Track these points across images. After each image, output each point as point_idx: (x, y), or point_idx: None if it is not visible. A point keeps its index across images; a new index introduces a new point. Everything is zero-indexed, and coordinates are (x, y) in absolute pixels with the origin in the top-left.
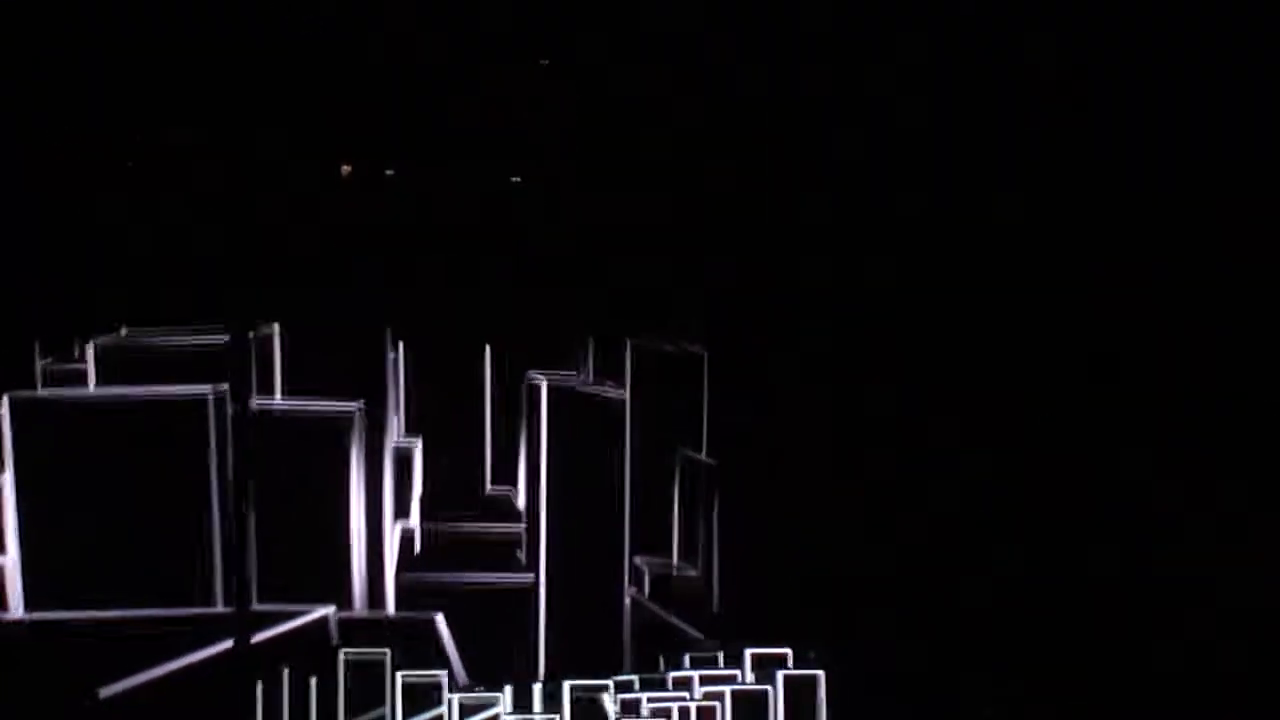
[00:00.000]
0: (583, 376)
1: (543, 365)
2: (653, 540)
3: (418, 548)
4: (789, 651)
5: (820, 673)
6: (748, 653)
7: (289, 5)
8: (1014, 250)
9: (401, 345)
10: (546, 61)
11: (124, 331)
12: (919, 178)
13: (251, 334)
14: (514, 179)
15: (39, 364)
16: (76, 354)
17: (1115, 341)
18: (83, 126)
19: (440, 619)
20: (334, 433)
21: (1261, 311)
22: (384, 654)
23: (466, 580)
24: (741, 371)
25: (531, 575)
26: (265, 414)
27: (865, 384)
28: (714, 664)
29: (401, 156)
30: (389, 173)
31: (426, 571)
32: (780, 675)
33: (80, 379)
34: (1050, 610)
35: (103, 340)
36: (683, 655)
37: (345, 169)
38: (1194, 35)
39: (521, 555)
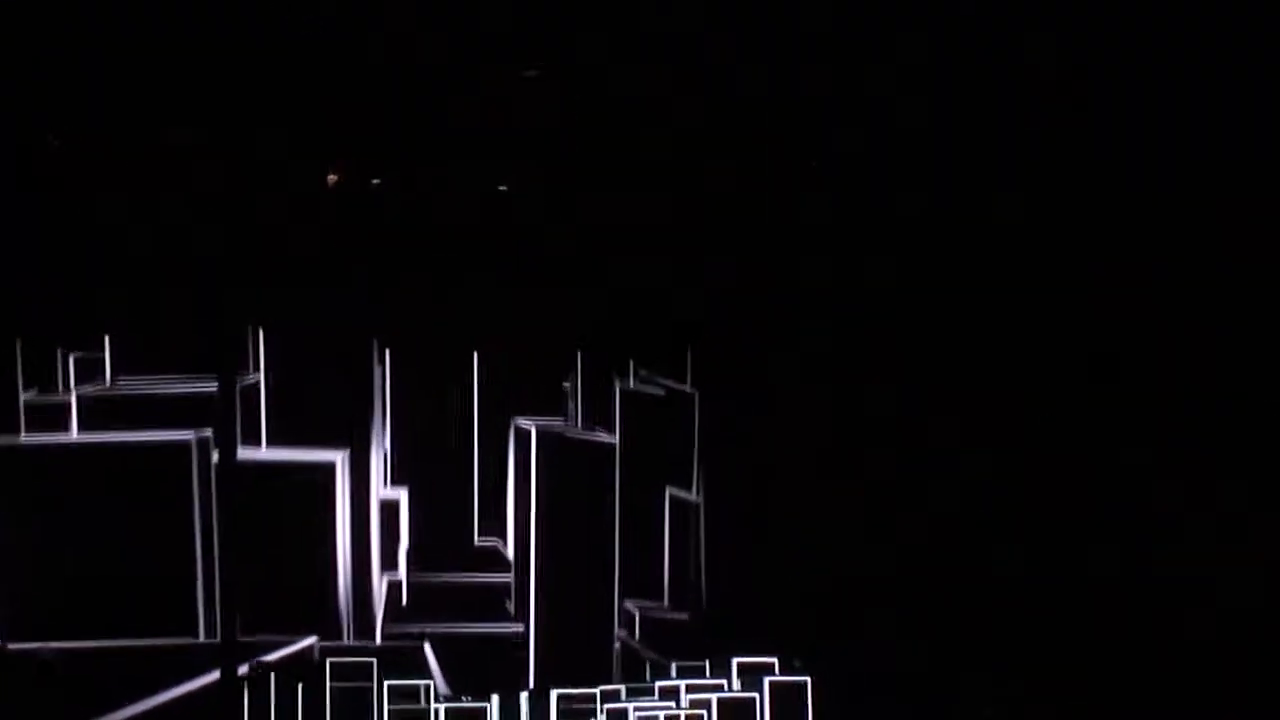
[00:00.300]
0: (570, 421)
1: (535, 379)
2: (643, 580)
3: (405, 599)
4: (775, 660)
5: (807, 679)
6: (734, 661)
7: (289, 5)
8: (1014, 250)
9: (389, 388)
10: (534, 72)
11: (109, 382)
12: (919, 177)
13: (238, 381)
14: (501, 187)
15: (22, 397)
16: (60, 385)
17: (1115, 341)
18: (82, 126)
19: (428, 646)
20: (318, 482)
21: (1262, 311)
22: (370, 663)
23: (455, 630)
24: (738, 375)
25: (521, 625)
26: (250, 462)
27: (865, 384)
28: (700, 673)
29: (396, 159)
30: (375, 182)
31: (415, 622)
32: (767, 681)
33: (64, 412)
34: (1050, 610)
35: (87, 389)
36: (669, 664)
37: (332, 178)
38: (1193, 35)
39: (510, 605)
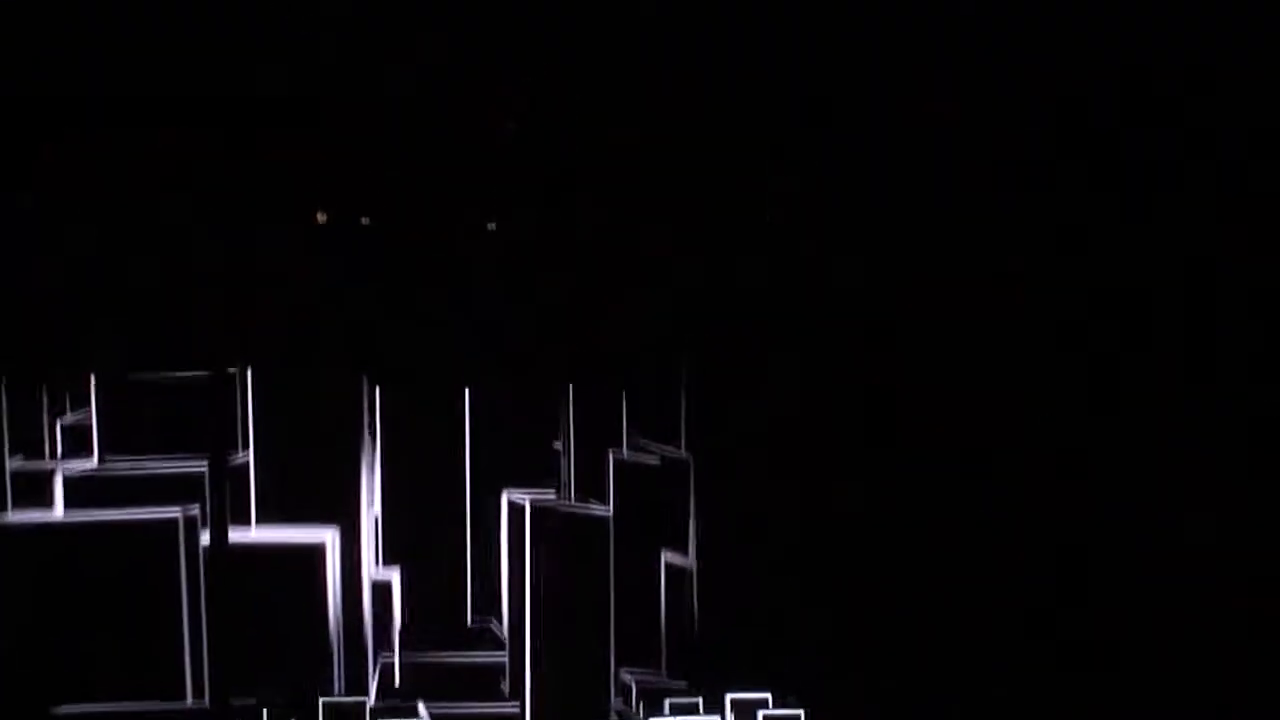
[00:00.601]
0: (563, 494)
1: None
2: (638, 648)
3: (398, 680)
4: (769, 696)
5: (800, 713)
6: (728, 697)
7: (274, 41)
8: (1013, 251)
9: (379, 464)
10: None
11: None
12: (916, 182)
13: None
14: (489, 225)
15: (8, 464)
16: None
17: (1115, 343)
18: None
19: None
20: (307, 560)
21: (1262, 313)
22: (363, 702)
23: (449, 711)
24: (733, 435)
25: (516, 704)
26: (240, 542)
27: (861, 445)
28: (694, 710)
29: (385, 197)
30: (364, 220)
31: (409, 702)
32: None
33: (49, 482)
34: (1047, 652)
35: (72, 469)
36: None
37: (320, 216)
38: (1193, 35)
39: (505, 685)
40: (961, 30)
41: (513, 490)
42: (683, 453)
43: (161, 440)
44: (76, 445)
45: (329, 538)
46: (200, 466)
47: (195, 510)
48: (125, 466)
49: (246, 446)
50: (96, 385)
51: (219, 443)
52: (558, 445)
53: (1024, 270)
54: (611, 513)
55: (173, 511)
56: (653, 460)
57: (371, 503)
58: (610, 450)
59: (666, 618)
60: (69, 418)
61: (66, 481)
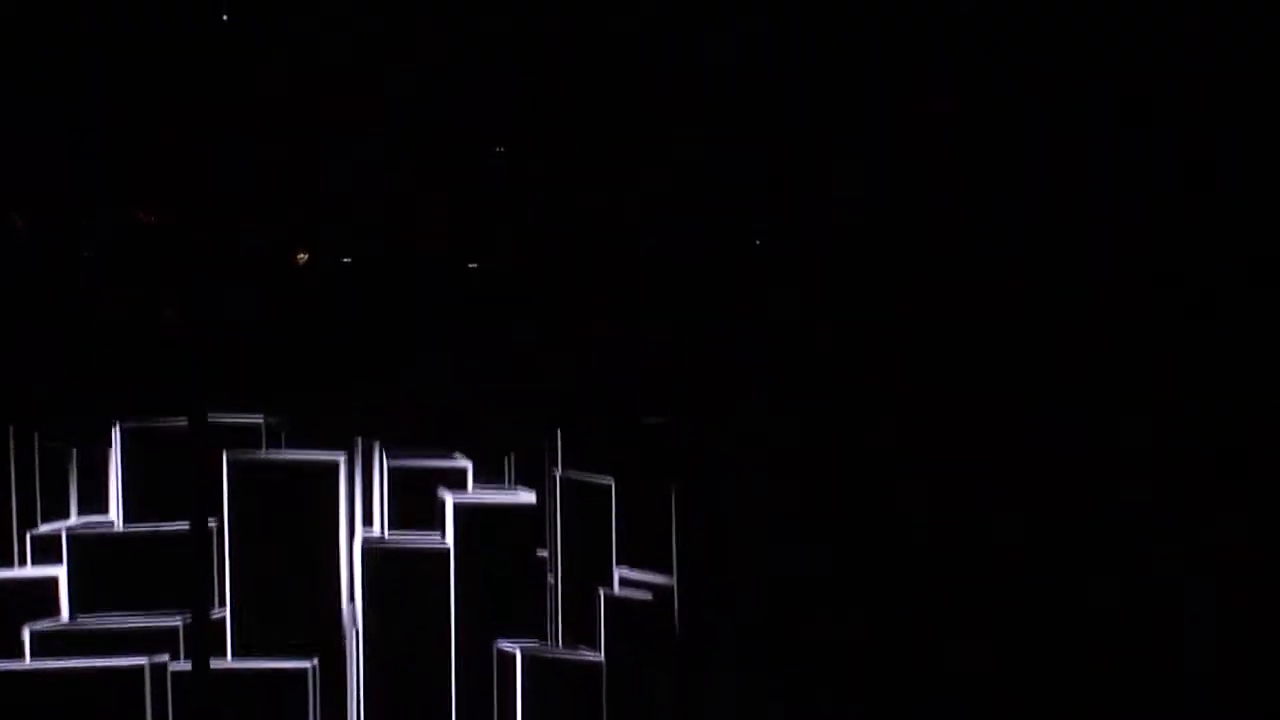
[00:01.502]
0: (550, 642)
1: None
2: None
3: None
4: None
5: None
6: None
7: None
8: (1013, 251)
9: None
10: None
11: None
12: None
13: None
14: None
15: None
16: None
17: (1115, 343)
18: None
19: None
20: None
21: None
22: None
23: None
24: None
25: None
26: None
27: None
28: None
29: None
30: (346, 260)
31: None
32: None
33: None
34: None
35: (39, 625)
36: None
37: (301, 256)
38: (1192, 35)
39: None
40: (961, 30)
41: (501, 640)
42: (672, 579)
43: (135, 597)
44: (46, 555)
45: (309, 685)
46: (174, 622)
47: (165, 658)
48: (95, 623)
49: (223, 603)
50: (68, 540)
51: (201, 594)
52: (543, 553)
53: (1024, 270)
54: (604, 656)
55: (139, 660)
56: (644, 595)
57: (355, 658)
58: (600, 588)
59: None
60: (40, 529)
61: (34, 636)
